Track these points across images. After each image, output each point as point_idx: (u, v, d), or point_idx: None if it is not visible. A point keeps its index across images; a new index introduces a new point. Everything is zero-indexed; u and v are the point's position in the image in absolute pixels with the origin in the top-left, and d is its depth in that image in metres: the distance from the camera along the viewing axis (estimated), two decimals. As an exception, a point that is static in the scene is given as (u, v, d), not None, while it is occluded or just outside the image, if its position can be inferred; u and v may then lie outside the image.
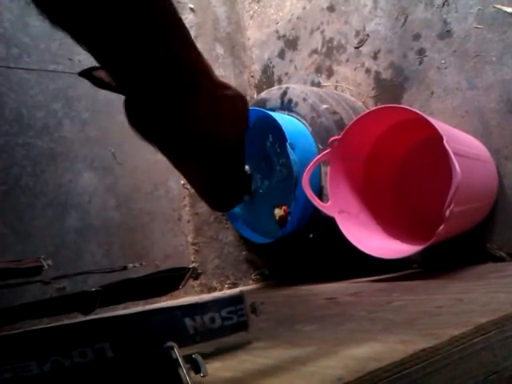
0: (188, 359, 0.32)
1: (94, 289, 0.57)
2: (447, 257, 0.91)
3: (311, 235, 0.97)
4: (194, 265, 1.13)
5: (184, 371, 0.30)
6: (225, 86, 0.58)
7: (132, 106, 0.54)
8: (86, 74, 0.57)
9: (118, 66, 0.50)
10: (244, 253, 1.21)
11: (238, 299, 0.45)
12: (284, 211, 0.99)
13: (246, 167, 0.72)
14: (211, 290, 1.16)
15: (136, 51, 0.48)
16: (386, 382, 0.33)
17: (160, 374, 0.30)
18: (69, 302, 0.62)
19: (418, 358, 0.36)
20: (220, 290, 1.17)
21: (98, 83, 0.57)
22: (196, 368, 0.32)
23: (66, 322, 0.86)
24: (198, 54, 0.54)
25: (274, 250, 1.05)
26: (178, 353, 0.31)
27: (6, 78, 0.95)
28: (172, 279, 0.66)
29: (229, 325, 0.44)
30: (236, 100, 0.60)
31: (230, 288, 1.18)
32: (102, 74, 0.56)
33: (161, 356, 0.31)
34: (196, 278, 1.13)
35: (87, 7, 0.44)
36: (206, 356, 0.41)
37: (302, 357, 0.41)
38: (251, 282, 1.22)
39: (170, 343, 0.32)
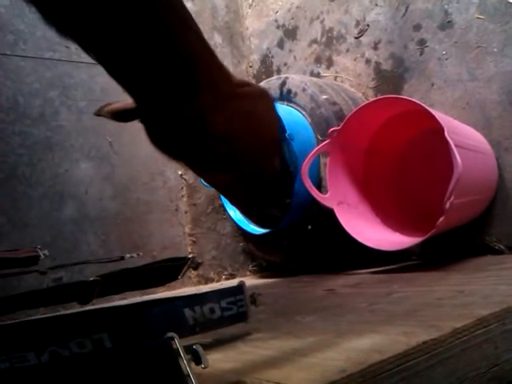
0: (188, 350, 0.32)
1: (92, 278, 0.57)
2: (446, 249, 0.91)
3: (309, 227, 0.97)
4: (192, 255, 1.12)
5: (185, 362, 0.30)
6: (244, 84, 0.55)
7: (150, 125, 0.50)
8: (101, 112, 0.56)
9: (128, 70, 0.47)
10: (241, 244, 1.20)
11: (237, 290, 0.45)
12: None
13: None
14: (208, 281, 1.16)
15: (145, 53, 0.45)
16: (389, 374, 0.33)
17: (160, 365, 0.30)
18: (66, 292, 0.61)
19: (420, 350, 0.35)
20: (217, 282, 1.17)
21: (117, 117, 0.54)
22: (197, 359, 0.31)
23: (63, 312, 0.86)
24: (213, 53, 0.51)
25: (271, 241, 1.04)
26: (178, 344, 0.31)
27: (1, 65, 0.94)
28: (171, 269, 0.65)
29: (228, 315, 0.44)
30: (259, 98, 0.56)
31: (227, 279, 1.18)
32: (114, 106, 0.54)
33: (161, 347, 0.31)
34: (195, 268, 1.13)
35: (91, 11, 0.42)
36: (206, 347, 0.40)
37: (302, 348, 0.40)
38: (248, 273, 1.22)
39: (170, 334, 0.31)
